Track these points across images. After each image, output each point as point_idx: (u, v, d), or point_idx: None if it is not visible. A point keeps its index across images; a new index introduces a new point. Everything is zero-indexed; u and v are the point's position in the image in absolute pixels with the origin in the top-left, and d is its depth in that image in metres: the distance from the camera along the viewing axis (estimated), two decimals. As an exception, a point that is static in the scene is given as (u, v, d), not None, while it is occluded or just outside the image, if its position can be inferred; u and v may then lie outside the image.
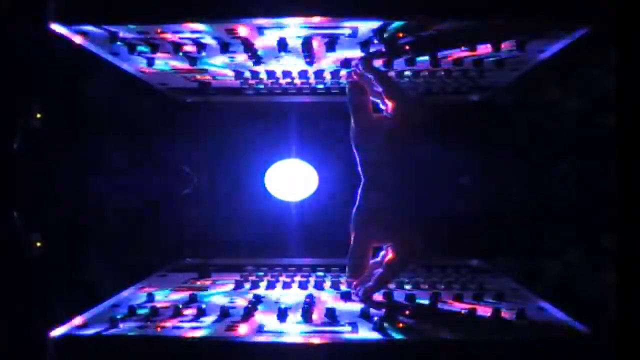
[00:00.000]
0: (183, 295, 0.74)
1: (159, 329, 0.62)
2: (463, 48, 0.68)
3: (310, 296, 0.73)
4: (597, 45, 0.63)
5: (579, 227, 0.76)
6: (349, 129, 0.70)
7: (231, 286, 0.79)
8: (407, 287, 0.77)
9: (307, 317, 0.65)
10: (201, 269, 0.88)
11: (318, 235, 0.92)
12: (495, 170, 0.88)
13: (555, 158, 0.81)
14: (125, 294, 0.75)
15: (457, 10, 0.58)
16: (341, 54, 0.69)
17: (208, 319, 0.65)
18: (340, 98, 0.86)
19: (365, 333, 0.61)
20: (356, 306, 0.68)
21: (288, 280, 0.81)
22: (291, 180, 0.93)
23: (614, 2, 0.60)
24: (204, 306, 0.69)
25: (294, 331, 0.61)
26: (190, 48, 0.67)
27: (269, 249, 0.93)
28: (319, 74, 0.78)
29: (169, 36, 0.63)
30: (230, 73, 0.78)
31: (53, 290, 0.73)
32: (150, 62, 0.71)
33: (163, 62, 0.73)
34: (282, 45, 0.65)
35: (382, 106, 0.70)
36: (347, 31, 0.62)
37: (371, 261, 0.71)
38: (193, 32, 0.62)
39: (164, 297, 0.74)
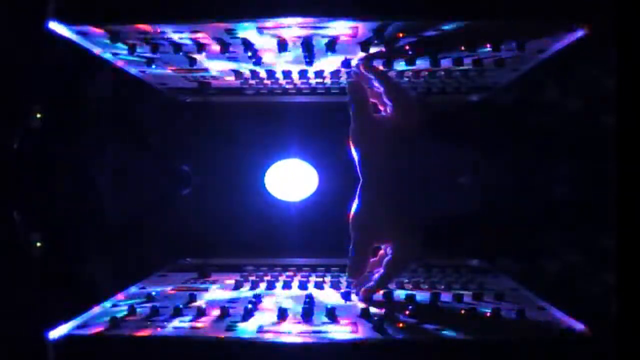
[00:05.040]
0: (183, 295, 0.74)
1: (159, 329, 0.62)
2: (463, 48, 0.68)
3: (310, 296, 0.73)
4: (597, 45, 0.63)
5: (579, 227, 0.75)
6: (349, 129, 0.70)
7: (231, 286, 0.79)
8: (407, 287, 0.77)
9: (307, 317, 0.65)
10: (201, 269, 0.88)
11: (318, 235, 0.92)
12: (494, 170, 0.88)
13: (555, 158, 0.81)
14: (125, 294, 0.75)
15: (457, 10, 0.58)
16: (341, 54, 0.69)
17: (208, 319, 0.65)
18: (340, 98, 0.87)
19: (365, 333, 0.61)
20: (356, 306, 0.68)
21: (288, 280, 0.81)
22: (291, 180, 0.93)
23: (614, 2, 0.60)
24: (204, 306, 0.69)
25: (294, 331, 0.61)
26: (190, 48, 0.67)
27: (269, 249, 0.93)
28: (319, 74, 0.78)
29: (168, 36, 0.63)
30: (230, 73, 0.78)
31: (53, 290, 0.73)
32: (150, 62, 0.71)
33: (163, 62, 0.72)
34: (282, 45, 0.65)
35: (381, 106, 0.70)
36: (347, 31, 0.62)
37: (371, 261, 0.71)
38: (193, 32, 0.62)
39: (164, 297, 0.74)
